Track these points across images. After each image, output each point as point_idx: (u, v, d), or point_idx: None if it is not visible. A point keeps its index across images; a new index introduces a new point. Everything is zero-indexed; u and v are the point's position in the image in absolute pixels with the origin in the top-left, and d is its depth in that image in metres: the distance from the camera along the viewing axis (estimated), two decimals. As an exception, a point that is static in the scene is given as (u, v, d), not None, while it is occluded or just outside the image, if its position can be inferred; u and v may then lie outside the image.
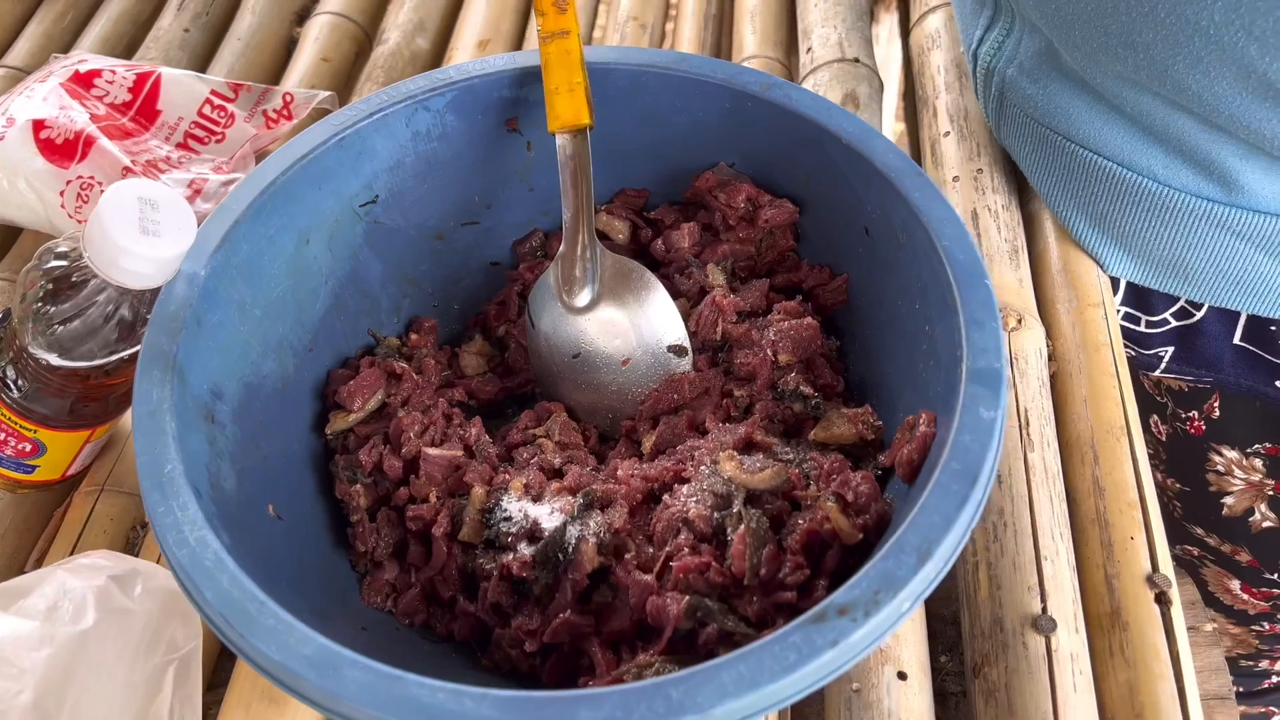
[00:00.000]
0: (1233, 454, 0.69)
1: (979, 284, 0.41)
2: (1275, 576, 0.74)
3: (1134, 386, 0.61)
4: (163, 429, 0.38)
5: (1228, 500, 0.72)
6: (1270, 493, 0.69)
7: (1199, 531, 0.76)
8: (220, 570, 0.34)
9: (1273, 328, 0.59)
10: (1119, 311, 0.62)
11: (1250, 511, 0.71)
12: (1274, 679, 0.86)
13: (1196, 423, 0.68)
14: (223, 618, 0.33)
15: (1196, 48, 0.45)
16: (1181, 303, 0.60)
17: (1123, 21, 0.47)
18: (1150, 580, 0.46)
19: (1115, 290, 0.61)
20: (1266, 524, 0.71)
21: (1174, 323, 0.62)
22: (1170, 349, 0.63)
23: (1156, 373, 0.65)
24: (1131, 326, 0.63)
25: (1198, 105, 0.48)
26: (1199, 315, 0.60)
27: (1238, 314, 0.60)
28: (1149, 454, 0.71)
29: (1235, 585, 0.77)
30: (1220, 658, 0.50)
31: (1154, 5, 0.45)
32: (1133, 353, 0.65)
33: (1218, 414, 0.67)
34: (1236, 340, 0.61)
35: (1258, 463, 0.68)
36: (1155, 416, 0.72)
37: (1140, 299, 0.61)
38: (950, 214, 0.43)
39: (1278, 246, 0.53)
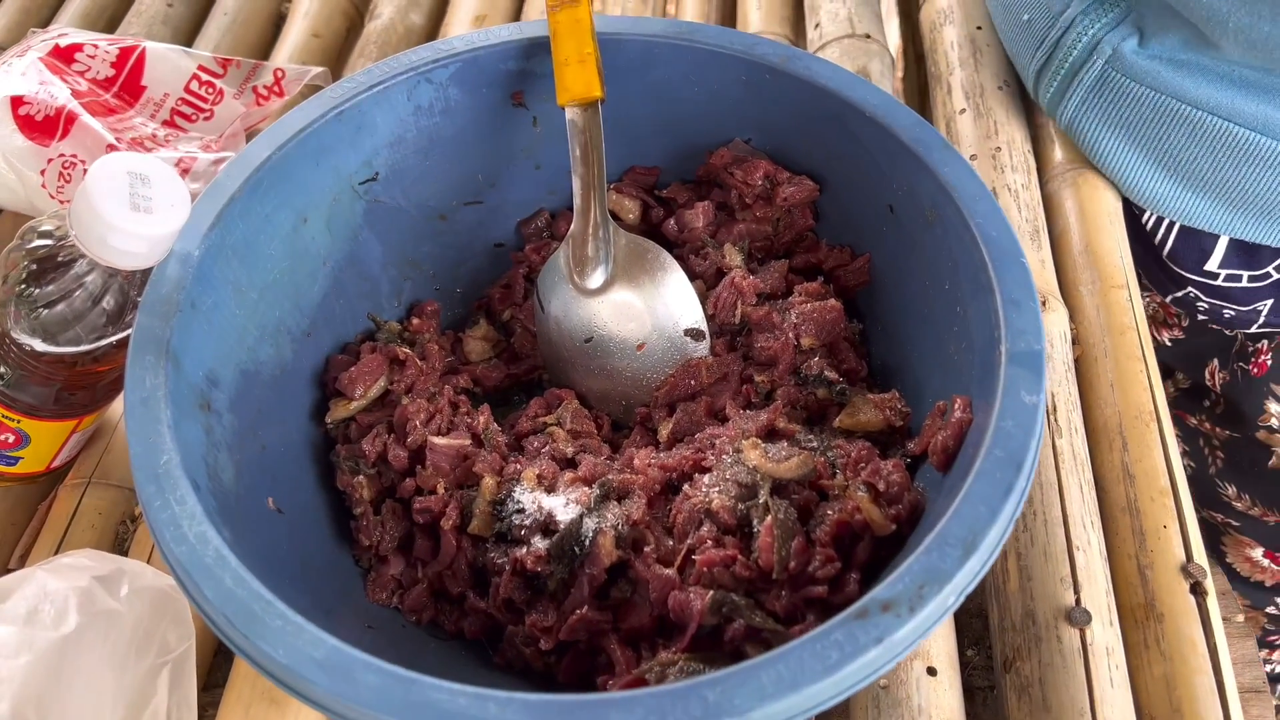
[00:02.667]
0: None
1: (1015, 262, 0.39)
2: None
3: (1200, 329, 0.63)
4: (157, 417, 0.36)
5: (1278, 451, 0.72)
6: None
7: (1230, 492, 0.76)
8: (222, 567, 0.32)
9: None
10: (1217, 275, 0.63)
11: None
12: (1272, 667, 0.85)
13: (1263, 357, 0.69)
14: (225, 618, 0.31)
15: None
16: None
17: None
18: (1185, 570, 0.45)
19: (1209, 255, 0.62)
20: None
21: (1276, 275, 0.62)
22: (1270, 301, 0.64)
23: (1253, 328, 0.66)
24: (1232, 285, 0.63)
25: None
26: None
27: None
28: (1207, 404, 0.73)
29: (1258, 553, 0.77)
30: (1254, 649, 0.48)
31: None
32: (1231, 313, 0.65)
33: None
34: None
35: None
36: (1215, 362, 0.72)
37: (1247, 256, 0.62)
38: (982, 190, 0.41)
39: None
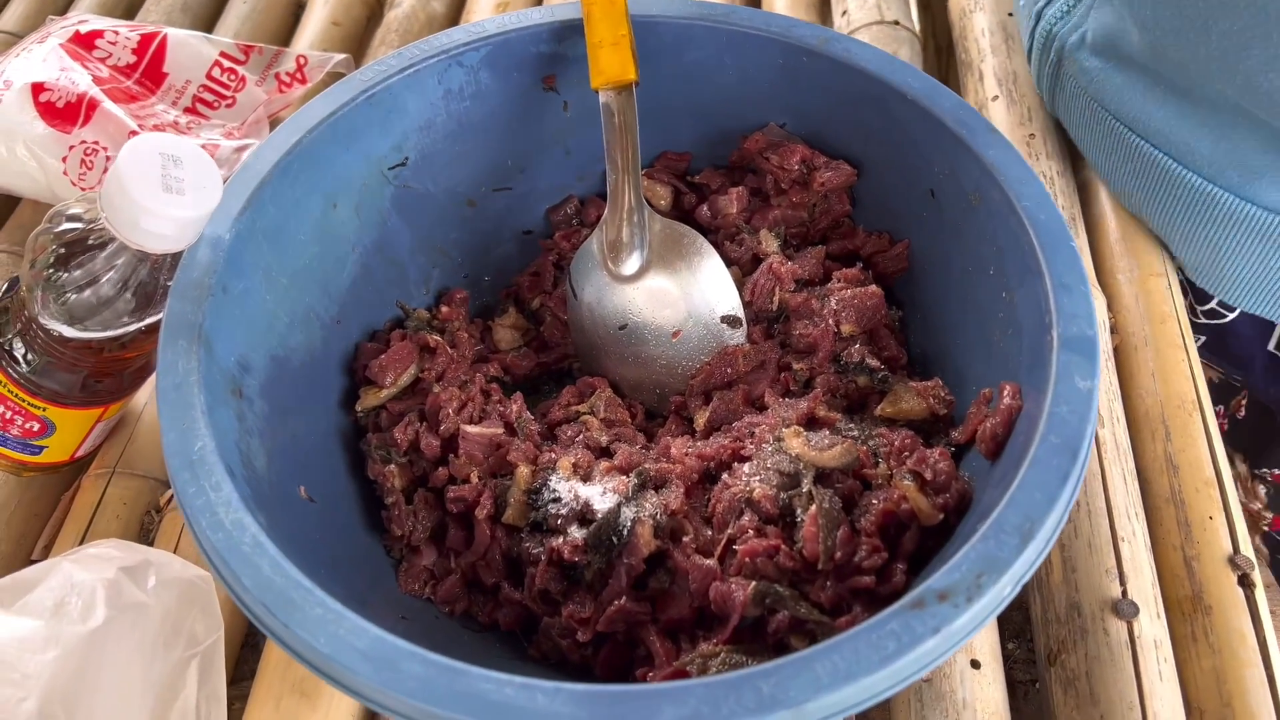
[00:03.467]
0: (1241, 468, 0.65)
1: (1064, 246, 0.38)
2: None
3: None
4: (190, 403, 0.35)
5: None
6: (1265, 527, 0.65)
7: None
8: (260, 555, 0.31)
9: None
10: None
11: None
12: None
13: (1221, 419, 0.65)
14: (264, 607, 0.31)
15: (1275, 42, 0.43)
16: (1215, 302, 0.58)
17: (1201, 6, 0.45)
18: (1232, 562, 0.44)
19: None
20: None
21: (1204, 320, 0.59)
22: (1203, 338, 0.60)
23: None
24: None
25: (1264, 105, 0.45)
26: (1231, 316, 0.58)
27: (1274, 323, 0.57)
28: None
29: None
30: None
31: None
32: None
33: (1243, 413, 0.64)
34: (1270, 347, 0.58)
35: (1261, 490, 0.64)
36: None
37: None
38: (1029, 173, 0.40)
39: None
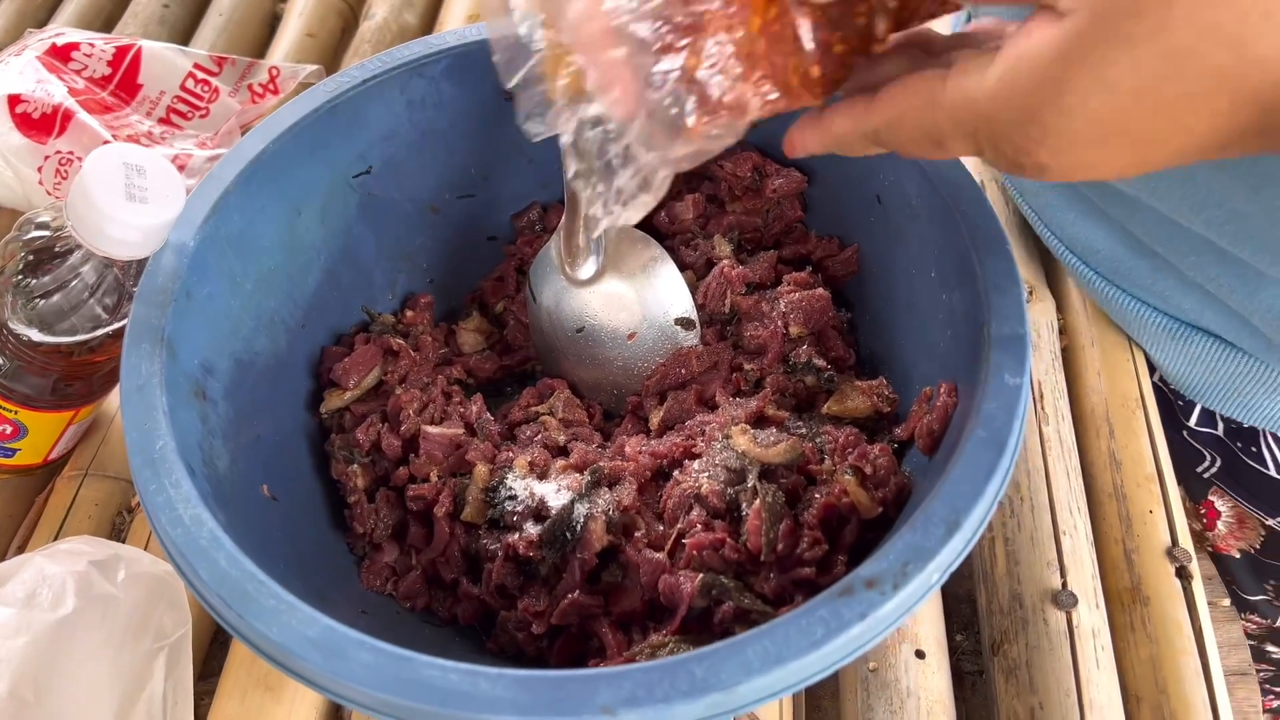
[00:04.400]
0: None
1: (1000, 250, 0.39)
2: None
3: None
4: (153, 404, 0.36)
5: None
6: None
7: None
8: (216, 549, 0.33)
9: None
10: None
11: None
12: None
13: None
14: (220, 598, 0.32)
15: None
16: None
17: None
18: (1170, 554, 0.45)
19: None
20: None
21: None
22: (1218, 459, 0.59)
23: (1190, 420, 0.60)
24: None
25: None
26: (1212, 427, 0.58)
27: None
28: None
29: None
30: (1240, 633, 0.49)
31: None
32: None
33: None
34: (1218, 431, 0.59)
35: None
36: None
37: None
38: (968, 179, 0.41)
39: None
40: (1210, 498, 0.60)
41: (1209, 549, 0.59)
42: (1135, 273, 0.50)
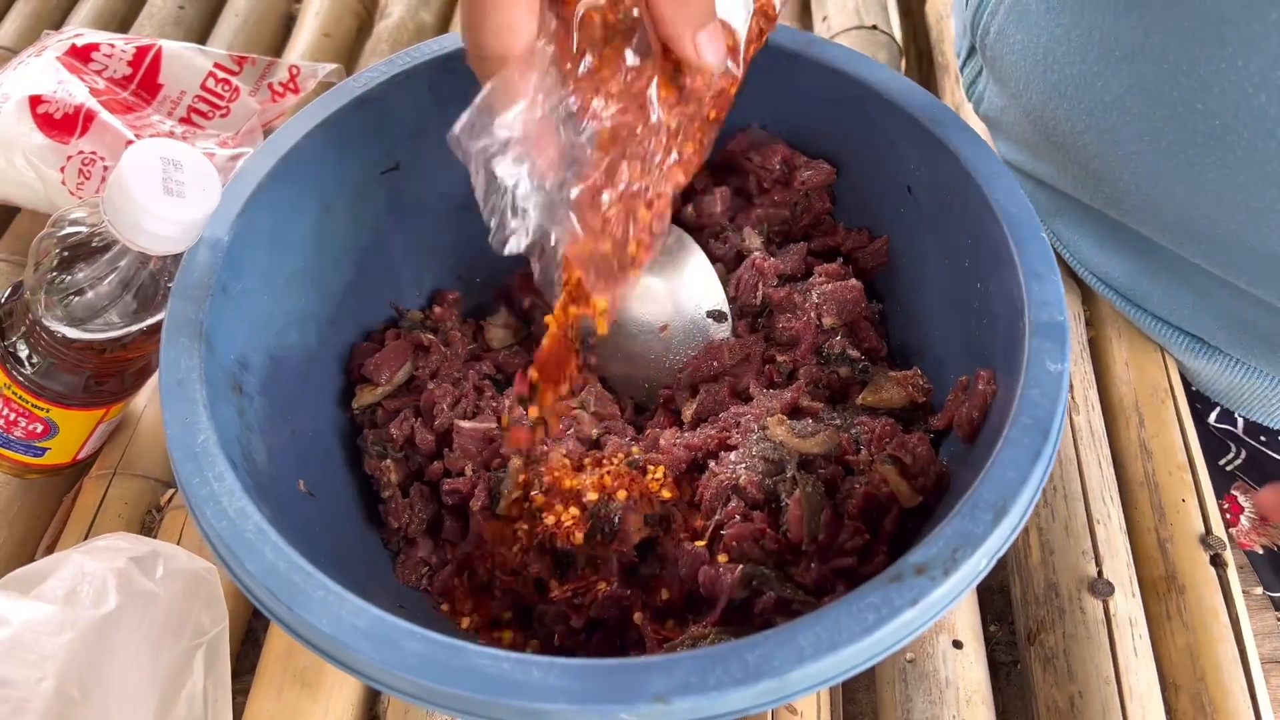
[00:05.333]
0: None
1: (1035, 237, 0.39)
2: None
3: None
4: (193, 398, 0.36)
5: None
6: None
7: None
8: (263, 541, 0.33)
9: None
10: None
11: None
12: None
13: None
14: (268, 590, 0.32)
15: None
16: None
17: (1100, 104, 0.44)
18: (1204, 542, 0.45)
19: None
20: None
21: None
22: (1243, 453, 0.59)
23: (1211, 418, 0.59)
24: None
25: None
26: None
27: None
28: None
29: None
30: (1274, 622, 0.49)
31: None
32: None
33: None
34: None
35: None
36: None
37: None
38: (1000, 168, 0.41)
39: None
40: (1233, 492, 0.60)
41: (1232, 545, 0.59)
42: (1153, 297, 0.50)
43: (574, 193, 0.35)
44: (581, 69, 0.34)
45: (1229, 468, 0.59)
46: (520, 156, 0.34)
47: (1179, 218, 0.44)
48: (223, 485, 0.34)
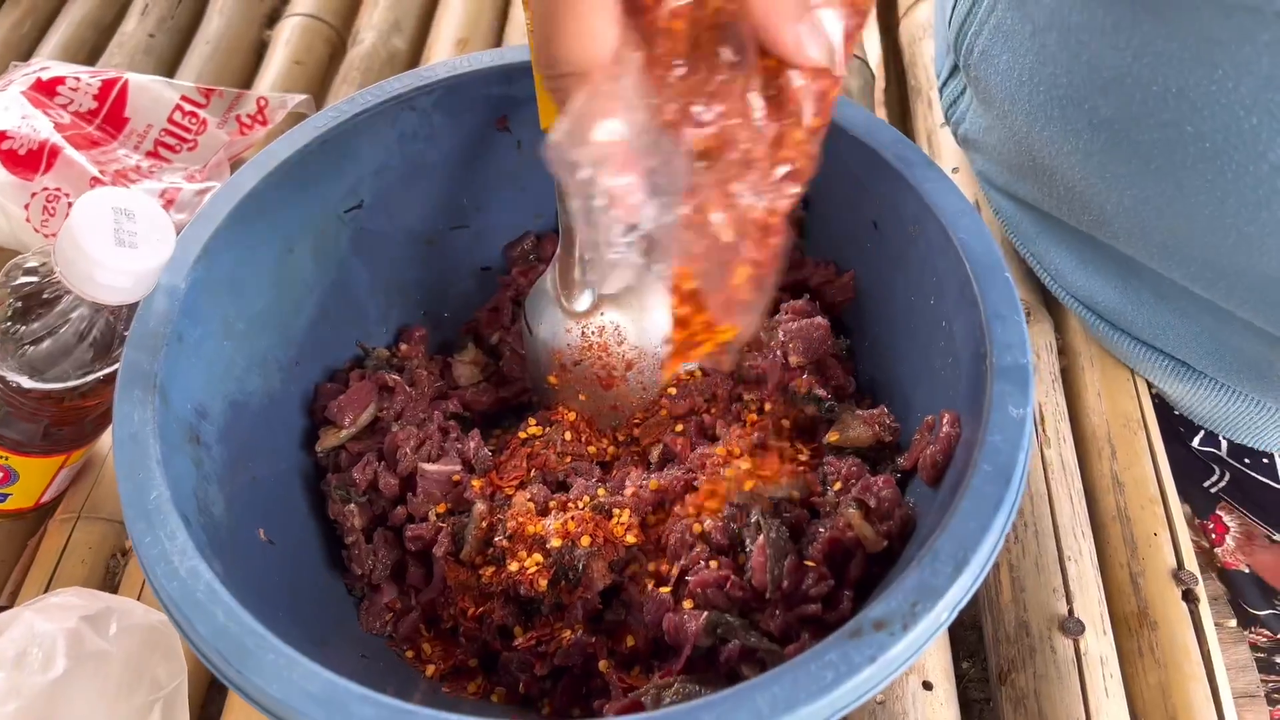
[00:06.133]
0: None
1: (998, 277, 0.39)
2: None
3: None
4: (146, 453, 0.35)
5: None
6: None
7: None
8: (214, 602, 0.32)
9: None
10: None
11: None
12: None
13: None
14: (219, 653, 0.31)
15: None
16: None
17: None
18: (1176, 577, 0.45)
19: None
20: None
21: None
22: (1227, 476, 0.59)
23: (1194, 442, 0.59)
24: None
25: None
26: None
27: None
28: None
29: None
30: (1247, 654, 0.49)
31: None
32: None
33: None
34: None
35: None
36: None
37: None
38: (965, 205, 0.41)
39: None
40: (1218, 512, 0.60)
41: (1217, 565, 0.59)
42: (1137, 320, 0.50)
43: (680, 211, 0.31)
44: (676, 74, 0.30)
45: (1213, 490, 0.58)
46: (619, 173, 0.30)
47: (1167, 240, 0.44)
48: (174, 544, 0.33)
